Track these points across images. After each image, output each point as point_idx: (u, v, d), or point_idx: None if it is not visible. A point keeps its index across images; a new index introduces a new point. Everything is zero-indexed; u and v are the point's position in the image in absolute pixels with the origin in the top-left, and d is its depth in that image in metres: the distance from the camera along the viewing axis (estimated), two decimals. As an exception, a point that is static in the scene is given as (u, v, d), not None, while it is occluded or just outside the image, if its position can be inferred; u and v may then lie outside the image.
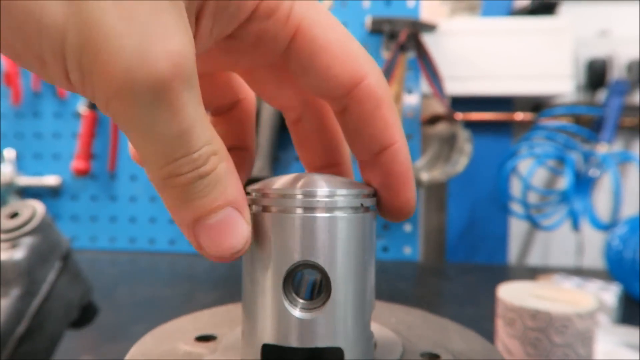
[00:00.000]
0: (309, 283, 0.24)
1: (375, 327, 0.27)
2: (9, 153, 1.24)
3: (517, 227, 1.29)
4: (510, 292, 0.46)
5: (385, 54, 1.15)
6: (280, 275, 0.22)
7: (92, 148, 1.21)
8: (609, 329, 0.66)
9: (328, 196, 0.21)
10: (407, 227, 1.15)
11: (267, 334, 0.22)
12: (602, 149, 1.10)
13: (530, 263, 1.30)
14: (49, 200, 1.24)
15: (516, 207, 1.18)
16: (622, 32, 1.23)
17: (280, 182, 0.22)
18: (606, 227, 1.05)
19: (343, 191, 0.22)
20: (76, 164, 1.18)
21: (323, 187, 0.22)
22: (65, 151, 1.24)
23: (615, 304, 0.69)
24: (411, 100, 1.15)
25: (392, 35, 1.13)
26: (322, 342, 0.22)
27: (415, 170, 1.03)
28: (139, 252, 1.22)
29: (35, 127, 1.25)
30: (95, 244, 1.24)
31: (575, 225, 1.07)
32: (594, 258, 1.21)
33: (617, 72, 1.20)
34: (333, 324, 0.22)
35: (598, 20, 1.26)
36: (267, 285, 0.22)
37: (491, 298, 0.57)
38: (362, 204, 0.22)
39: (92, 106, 1.19)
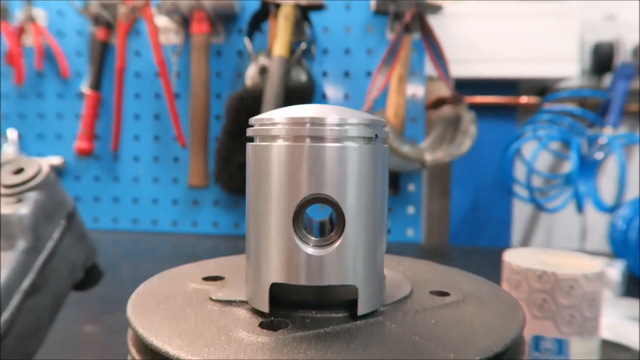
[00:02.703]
0: (315, 225, 0.23)
1: (384, 271, 0.27)
2: (12, 133, 1.24)
3: (520, 211, 1.28)
4: (516, 256, 0.46)
5: (390, 35, 1.14)
6: (289, 211, 0.21)
7: (95, 129, 1.21)
8: (613, 302, 0.66)
9: (338, 125, 0.21)
10: (410, 210, 1.15)
11: (276, 273, 0.21)
12: (607, 132, 1.10)
13: (533, 246, 1.29)
14: (52, 181, 1.24)
15: (520, 191, 1.17)
16: (629, 17, 1.22)
17: (286, 112, 0.22)
18: (610, 210, 1.04)
19: (354, 120, 0.21)
20: (79, 144, 1.18)
21: (333, 116, 0.21)
22: (68, 132, 1.24)
23: (619, 278, 0.69)
24: (415, 82, 1.14)
25: (397, 16, 1.12)
26: (335, 280, 0.21)
27: (419, 151, 1.02)
28: (142, 232, 1.22)
29: (38, 108, 1.25)
30: (98, 225, 1.24)
31: (580, 208, 1.06)
32: (597, 242, 1.21)
33: (623, 57, 1.19)
34: (346, 261, 0.21)
35: (605, 4, 1.25)
36: (275, 221, 0.21)
37: (496, 277, 0.56)
38: (376, 134, 0.22)
39: (95, 86, 1.19)
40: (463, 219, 1.27)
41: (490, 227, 1.27)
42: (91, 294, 0.51)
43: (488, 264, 1.01)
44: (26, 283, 0.38)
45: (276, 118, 0.21)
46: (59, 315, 0.44)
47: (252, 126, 0.22)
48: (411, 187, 1.16)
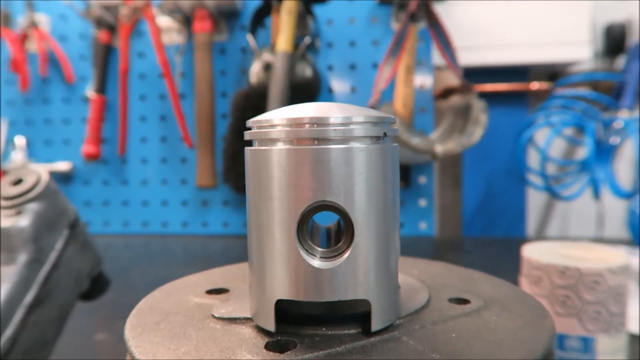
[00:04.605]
0: (322, 232, 0.21)
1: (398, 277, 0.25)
2: (20, 140, 1.24)
3: (535, 200, 1.26)
4: (535, 251, 0.44)
5: (395, 25, 1.12)
6: (293, 220, 0.19)
7: (102, 132, 1.20)
8: (635, 292, 0.64)
9: (343, 124, 0.19)
10: (422, 202, 1.13)
11: (281, 289, 0.19)
12: (622, 115, 1.06)
13: (549, 235, 1.27)
14: (62, 187, 1.23)
15: (534, 179, 1.15)
16: (641, -5, 1.18)
17: (286, 112, 0.20)
18: (628, 195, 1.01)
19: (360, 118, 0.19)
20: (86, 148, 1.17)
21: (337, 115, 0.19)
22: (76, 136, 1.23)
23: (643, 267, 0.66)
24: (423, 72, 1.12)
25: (402, 6, 1.10)
26: (345, 294, 0.19)
27: (429, 142, 1.00)
28: (152, 235, 1.22)
29: (45, 113, 1.24)
30: (109, 229, 1.23)
31: (596, 194, 1.04)
32: (616, 229, 1.18)
33: (636, 37, 1.16)
34: (357, 274, 0.19)
35: (615, -17, 1.21)
36: (278, 232, 0.19)
37: (512, 269, 0.54)
38: (384, 133, 0.20)
39: (100, 90, 1.18)
40: (476, 210, 1.25)
41: (504, 217, 1.24)
42: (102, 300, 0.49)
43: (504, 256, 0.99)
44: (29, 297, 0.37)
45: (275, 119, 0.19)
46: (69, 323, 0.43)
47: (249, 128, 0.21)
48: (422, 180, 1.13)
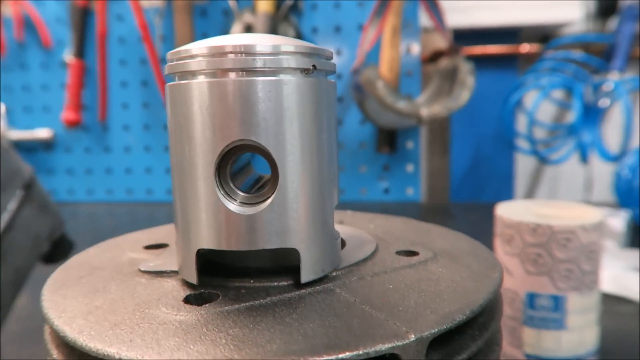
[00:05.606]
0: (252, 178, 0.20)
1: (344, 229, 0.24)
2: (1, 108, 1.21)
3: (523, 165, 1.24)
4: (509, 209, 0.43)
5: (382, -15, 1.08)
6: (211, 161, 0.17)
7: (82, 98, 1.17)
8: (616, 253, 0.63)
9: (271, 54, 0.17)
10: (409, 168, 1.12)
11: (202, 237, 0.18)
12: (612, 77, 1.04)
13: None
14: (43, 154, 1.22)
15: (522, 143, 1.13)
16: (635, -47, 1.14)
17: (210, 41, 0.18)
18: (615, 159, 1.00)
19: (290, 47, 0.18)
20: (67, 115, 1.15)
21: (264, 43, 0.17)
22: (55, 103, 1.20)
23: (624, 229, 0.66)
24: (410, 34, 1.09)
25: (388, -36, 1.06)
26: (269, 243, 0.17)
27: (414, 106, 0.98)
28: (137, 203, 1.20)
29: (23, 79, 1.21)
30: (93, 197, 1.22)
31: (584, 158, 1.02)
32: (603, 193, 1.17)
33: (629, -3, 1.13)
34: (283, 221, 0.17)
35: (609, -59, 1.17)
36: (197, 174, 0.17)
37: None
38: (313, 65, 0.18)
39: (79, 54, 1.15)
40: (464, 176, 1.24)
41: (492, 182, 1.23)
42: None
43: (490, 221, 0.98)
44: (-20, 259, 0.36)
45: (194, 49, 0.18)
46: (35, 287, 0.42)
47: (171, 61, 0.19)
48: (409, 145, 1.12)
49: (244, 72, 0.17)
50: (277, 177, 0.17)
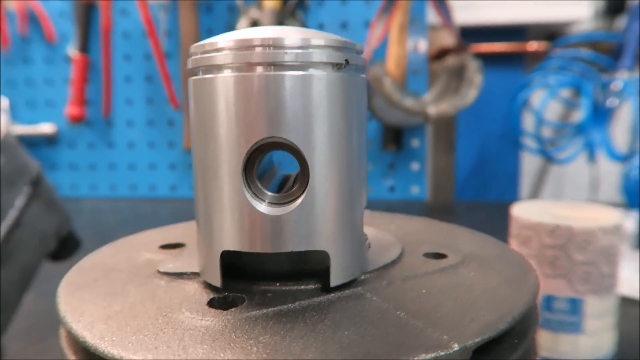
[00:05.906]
0: (279, 177, 0.19)
1: (369, 230, 0.23)
2: (3, 102, 1.20)
3: (529, 164, 1.24)
4: (525, 210, 0.42)
5: (389, -19, 1.07)
6: (239, 159, 0.16)
7: (86, 93, 1.16)
8: (628, 255, 0.62)
9: (301, 47, 0.16)
10: (415, 166, 1.11)
11: (227, 238, 0.17)
12: (621, 76, 1.03)
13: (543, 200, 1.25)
14: (46, 150, 1.21)
15: (529, 142, 1.12)
16: (645, -49, 1.13)
17: (237, 33, 0.17)
18: (624, 158, 0.99)
19: (320, 41, 0.17)
20: (70, 110, 1.14)
21: (293, 37, 0.17)
22: (59, 98, 1.19)
23: (636, 230, 0.65)
24: (417, 31, 1.08)
25: (396, -40, 1.05)
26: (298, 245, 0.17)
27: (421, 104, 0.97)
28: (140, 199, 1.19)
29: (26, 74, 1.20)
30: (96, 192, 1.21)
31: (592, 157, 1.02)
32: (610, 193, 1.16)
33: (638, -5, 1.12)
34: (313, 222, 0.17)
35: (619, -62, 1.16)
36: (222, 173, 0.17)
37: (503, 233, 0.53)
38: (346, 60, 0.17)
39: (83, 49, 1.14)
40: (470, 174, 1.23)
41: (497, 181, 1.23)
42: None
43: (495, 220, 0.97)
44: (-13, 256, 0.35)
45: (221, 42, 0.17)
46: (41, 285, 0.41)
47: (194, 54, 0.18)
48: (415, 143, 1.11)
49: (273, 67, 0.16)
50: (307, 177, 0.16)
